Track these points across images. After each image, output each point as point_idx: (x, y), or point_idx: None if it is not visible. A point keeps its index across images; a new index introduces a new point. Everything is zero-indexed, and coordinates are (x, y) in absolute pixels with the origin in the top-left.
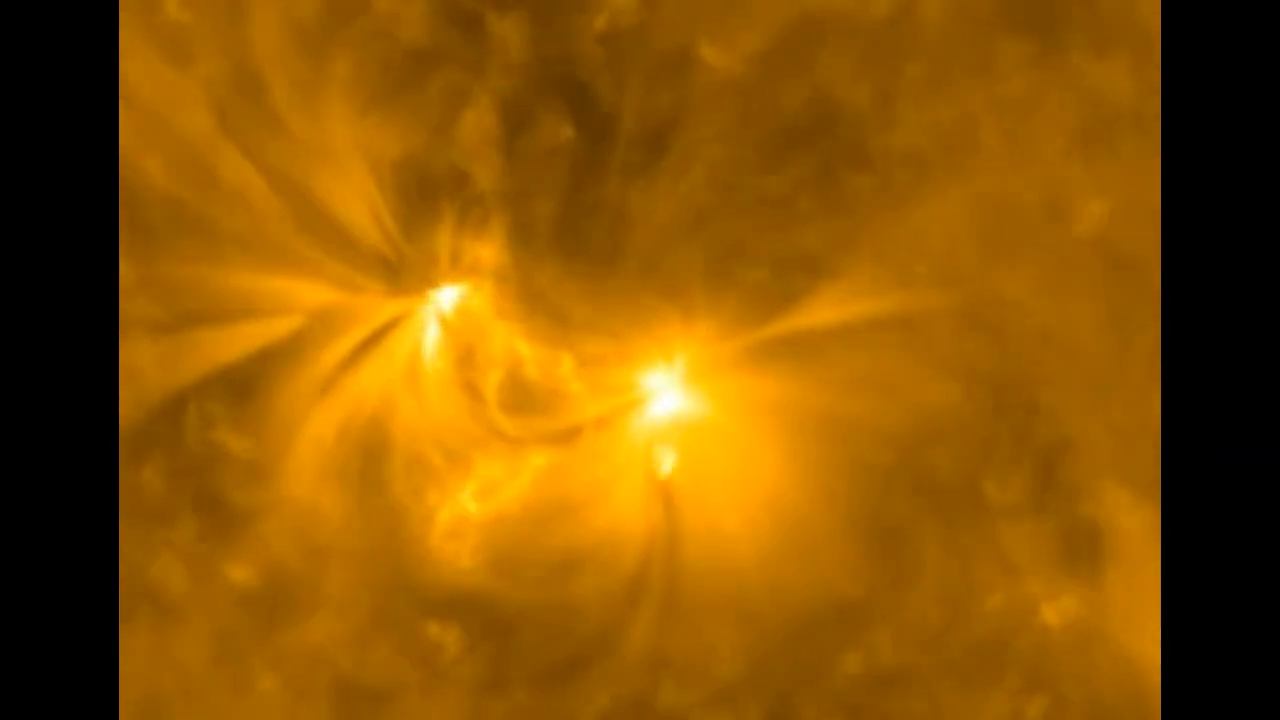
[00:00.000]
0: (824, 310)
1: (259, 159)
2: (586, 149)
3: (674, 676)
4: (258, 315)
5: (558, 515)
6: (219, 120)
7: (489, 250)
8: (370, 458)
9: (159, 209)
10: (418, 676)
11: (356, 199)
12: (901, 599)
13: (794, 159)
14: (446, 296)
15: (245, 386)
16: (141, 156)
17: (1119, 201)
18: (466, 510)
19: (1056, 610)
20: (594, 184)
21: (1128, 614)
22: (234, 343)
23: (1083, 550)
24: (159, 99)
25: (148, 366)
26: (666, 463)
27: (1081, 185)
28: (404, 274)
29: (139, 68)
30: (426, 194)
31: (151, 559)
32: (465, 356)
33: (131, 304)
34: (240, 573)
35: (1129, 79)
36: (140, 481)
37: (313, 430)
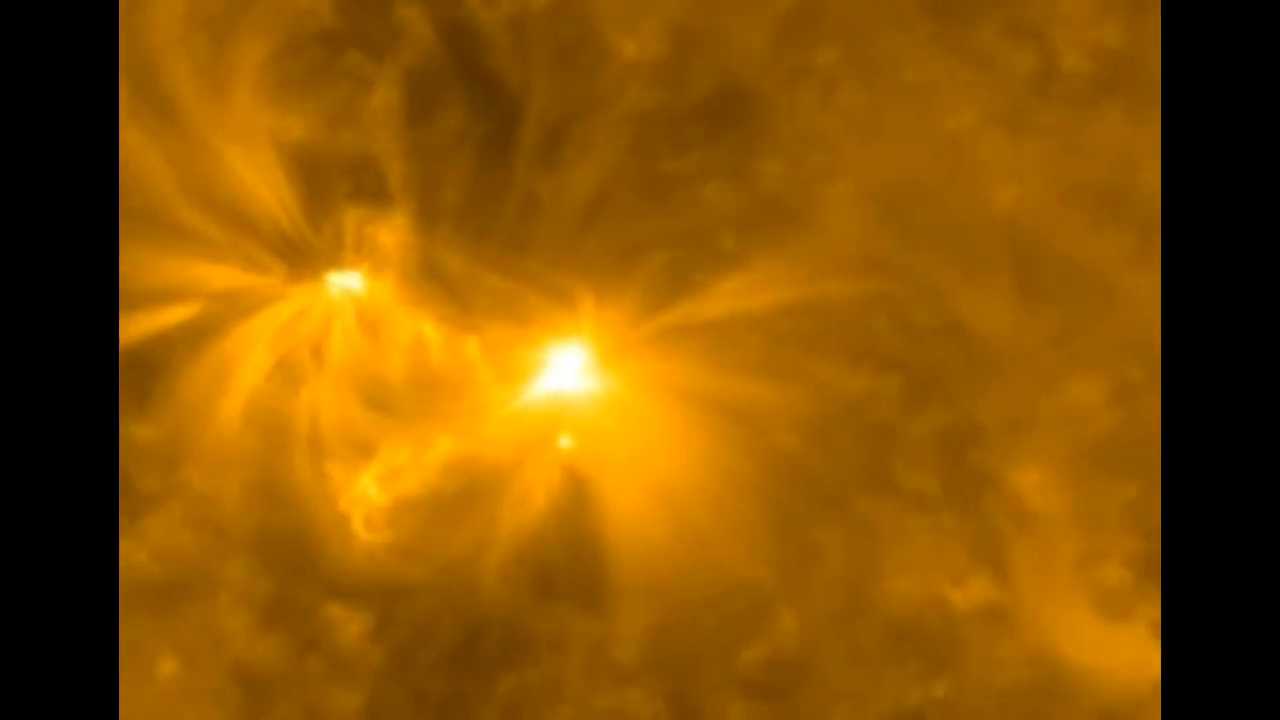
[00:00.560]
0: (732, 295)
1: (161, 140)
2: (493, 134)
3: (579, 658)
4: (159, 298)
5: (463, 499)
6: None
7: (394, 235)
8: (272, 443)
9: None
10: (319, 661)
11: (260, 182)
12: (806, 582)
13: (703, 144)
14: (351, 280)
15: (146, 372)
16: None
17: (1028, 184)
18: (370, 495)
19: (963, 595)
20: (501, 169)
21: (1036, 598)
22: (134, 326)
23: (990, 535)
24: None
25: None
26: (572, 447)
27: (991, 169)
28: (308, 258)
29: None
30: (331, 178)
31: None
32: (369, 341)
33: None
34: (140, 557)
35: (1038, 59)
36: None
37: (214, 415)
